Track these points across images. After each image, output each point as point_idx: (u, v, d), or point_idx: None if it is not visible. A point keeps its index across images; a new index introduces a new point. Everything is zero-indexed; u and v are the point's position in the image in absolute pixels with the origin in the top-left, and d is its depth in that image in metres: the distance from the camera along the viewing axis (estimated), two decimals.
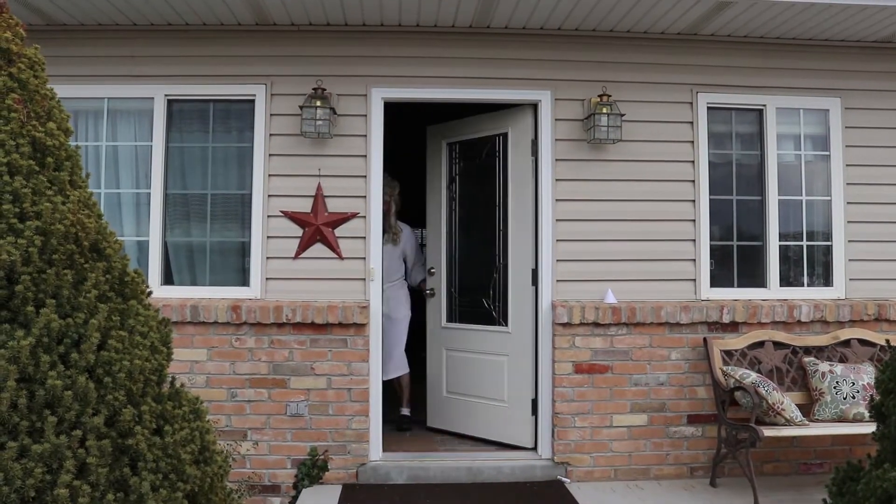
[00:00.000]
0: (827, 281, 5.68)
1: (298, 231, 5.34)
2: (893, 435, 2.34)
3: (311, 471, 5.05)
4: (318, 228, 5.32)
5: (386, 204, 6.14)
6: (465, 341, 6.03)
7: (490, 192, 5.92)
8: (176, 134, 5.48)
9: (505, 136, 5.81)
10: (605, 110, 5.27)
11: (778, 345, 5.33)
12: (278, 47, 5.39)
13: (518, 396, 5.61)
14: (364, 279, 5.34)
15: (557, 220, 5.44)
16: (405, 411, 6.44)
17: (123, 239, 5.26)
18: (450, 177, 6.27)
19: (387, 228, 6.25)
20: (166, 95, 5.40)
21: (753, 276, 5.66)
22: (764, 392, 4.78)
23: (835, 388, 5.02)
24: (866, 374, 5.04)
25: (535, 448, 5.49)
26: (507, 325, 5.74)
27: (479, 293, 5.98)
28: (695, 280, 5.50)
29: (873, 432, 2.50)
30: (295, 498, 4.97)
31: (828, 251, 5.67)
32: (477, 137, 6.04)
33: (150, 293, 2.53)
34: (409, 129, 7.34)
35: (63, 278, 2.14)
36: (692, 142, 5.53)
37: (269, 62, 5.39)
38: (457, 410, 6.06)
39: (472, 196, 6.13)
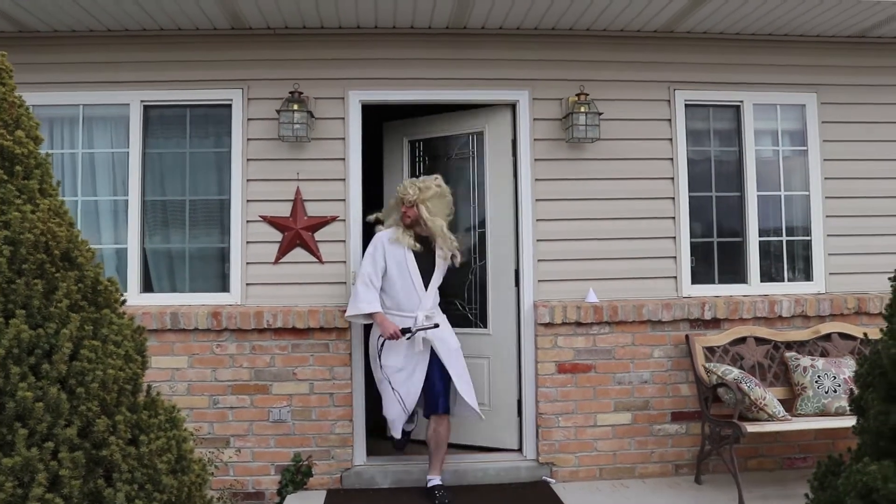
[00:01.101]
0: (807, 276, 5.70)
1: (278, 236, 5.31)
2: (873, 429, 2.34)
3: (295, 477, 5.02)
4: (297, 233, 5.29)
5: (411, 208, 4.97)
6: None
7: (462, 192, 5.79)
8: (153, 140, 5.43)
9: (480, 134, 5.74)
10: (583, 109, 5.27)
11: (759, 340, 5.34)
12: (254, 51, 5.36)
13: (501, 398, 5.58)
14: (345, 283, 5.31)
15: (538, 220, 5.43)
16: (438, 480, 4.97)
17: (101, 247, 5.24)
18: (413, 176, 5.99)
19: (428, 239, 5.11)
20: (142, 101, 5.34)
21: (734, 272, 5.68)
22: (746, 388, 4.80)
23: (816, 382, 5.04)
24: (847, 368, 5.07)
25: (519, 449, 5.48)
26: (486, 326, 5.69)
27: (452, 296, 5.76)
28: (676, 277, 5.51)
29: (853, 426, 2.51)
30: None
31: (807, 246, 5.70)
32: (445, 136, 5.94)
33: (124, 301, 2.49)
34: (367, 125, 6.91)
35: (33, 288, 2.11)
36: (671, 139, 5.55)
37: (246, 66, 5.35)
38: None
39: None
